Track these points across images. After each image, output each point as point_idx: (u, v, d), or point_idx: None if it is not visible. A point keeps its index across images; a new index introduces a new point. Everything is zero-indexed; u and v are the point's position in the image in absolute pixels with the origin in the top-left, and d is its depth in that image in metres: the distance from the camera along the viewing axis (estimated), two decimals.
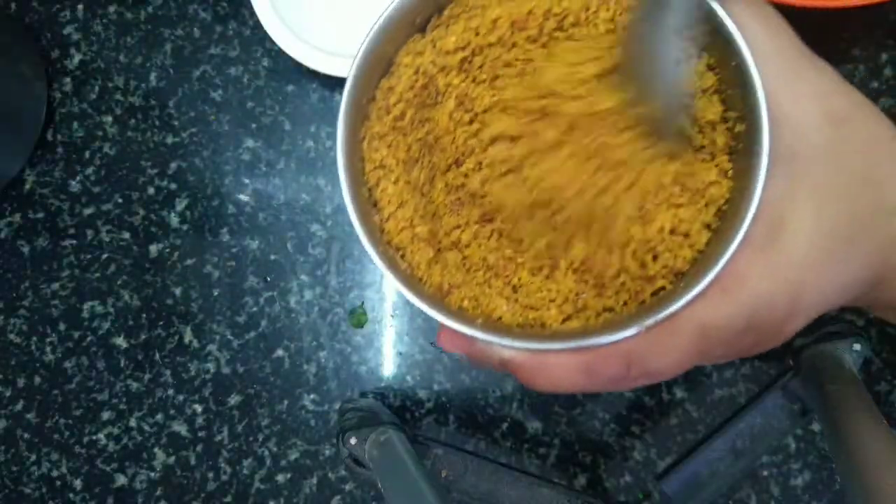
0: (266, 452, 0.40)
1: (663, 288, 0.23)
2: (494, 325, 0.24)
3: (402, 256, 0.25)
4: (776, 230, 0.21)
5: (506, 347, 0.23)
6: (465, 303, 0.24)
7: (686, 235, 0.23)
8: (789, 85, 0.22)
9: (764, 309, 0.21)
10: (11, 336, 0.42)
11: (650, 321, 0.21)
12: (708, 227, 0.22)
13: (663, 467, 0.38)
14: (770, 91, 0.21)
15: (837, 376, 0.34)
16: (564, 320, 0.24)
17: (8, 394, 0.41)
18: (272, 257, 0.41)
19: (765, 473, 0.38)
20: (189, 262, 0.42)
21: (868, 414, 0.31)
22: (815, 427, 0.38)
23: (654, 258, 0.23)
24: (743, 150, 0.22)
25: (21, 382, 0.42)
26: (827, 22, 0.39)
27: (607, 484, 0.39)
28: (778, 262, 0.21)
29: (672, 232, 0.23)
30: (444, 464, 0.37)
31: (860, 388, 0.33)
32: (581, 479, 0.39)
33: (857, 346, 0.36)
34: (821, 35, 0.39)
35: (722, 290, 0.21)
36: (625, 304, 0.23)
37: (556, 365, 0.22)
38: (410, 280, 0.24)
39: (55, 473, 0.41)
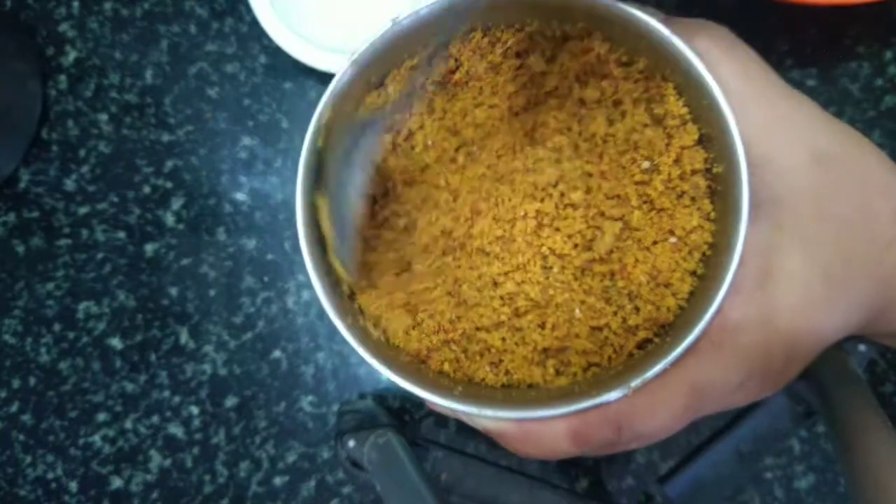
0: (263, 455, 0.40)
1: (650, 341, 0.22)
2: (477, 389, 0.22)
3: (375, 325, 0.24)
4: (765, 279, 0.20)
5: (487, 418, 0.21)
6: (446, 366, 0.23)
7: (667, 285, 0.22)
8: (767, 125, 0.21)
9: (759, 362, 0.20)
10: (6, 337, 0.41)
11: (637, 382, 0.20)
12: (693, 274, 0.22)
13: (666, 470, 0.38)
14: (747, 132, 0.20)
15: (842, 377, 0.34)
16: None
17: (2, 395, 0.41)
18: (269, 257, 0.41)
19: (769, 476, 0.38)
20: (185, 261, 0.41)
21: (873, 415, 0.31)
22: (820, 429, 0.38)
23: (637, 310, 0.22)
24: (723, 193, 0.21)
25: (16, 384, 0.41)
26: (831, 19, 0.39)
27: (609, 487, 0.38)
28: (771, 310, 0.20)
29: (652, 282, 0.22)
30: (443, 466, 0.36)
31: (865, 390, 0.33)
32: (583, 482, 0.38)
33: (861, 348, 0.35)
34: (824, 33, 0.39)
35: (713, 345, 0.20)
36: (610, 358, 0.22)
37: (541, 434, 0.21)
38: (384, 349, 0.23)
39: (50, 476, 0.41)
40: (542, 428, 0.21)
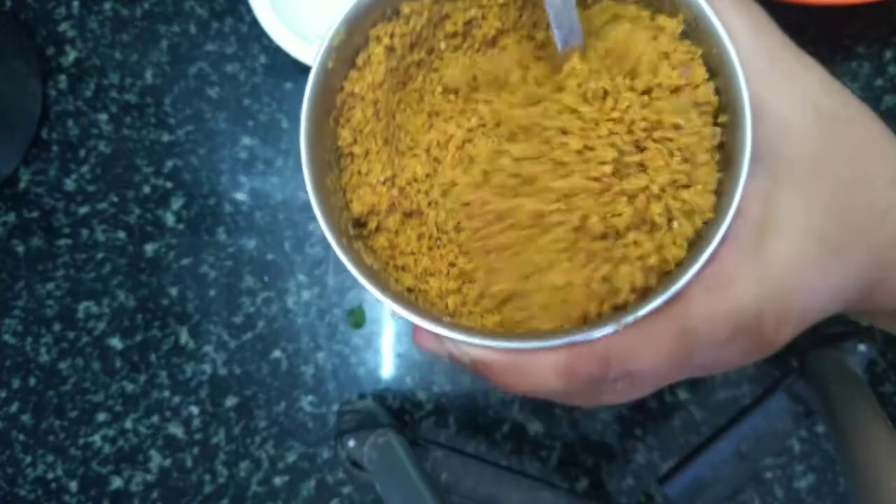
0: (263, 455, 0.40)
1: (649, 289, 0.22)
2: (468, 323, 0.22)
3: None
4: (763, 233, 0.20)
5: (475, 346, 0.21)
6: (449, 301, 0.23)
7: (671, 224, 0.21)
8: (774, 82, 0.21)
9: (750, 314, 0.20)
10: (6, 337, 0.41)
11: (629, 319, 0.20)
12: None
13: (666, 470, 0.38)
14: (753, 87, 0.20)
15: (842, 377, 0.34)
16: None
17: (3, 395, 0.41)
18: (269, 257, 0.41)
19: (768, 476, 0.38)
20: (185, 261, 0.41)
21: (873, 415, 0.31)
22: (820, 429, 0.38)
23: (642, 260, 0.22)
24: (726, 142, 0.21)
25: (16, 384, 0.41)
26: (831, 19, 0.39)
27: (609, 487, 0.38)
28: (765, 266, 0.20)
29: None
30: (443, 466, 0.36)
31: (865, 390, 0.33)
32: (583, 481, 0.38)
33: (861, 347, 0.35)
34: (825, 32, 0.39)
35: (706, 290, 0.20)
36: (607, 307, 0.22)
37: (530, 365, 0.21)
38: (378, 277, 0.22)
39: (50, 476, 0.41)
40: (531, 360, 0.21)
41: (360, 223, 0.24)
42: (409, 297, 0.23)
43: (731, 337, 0.20)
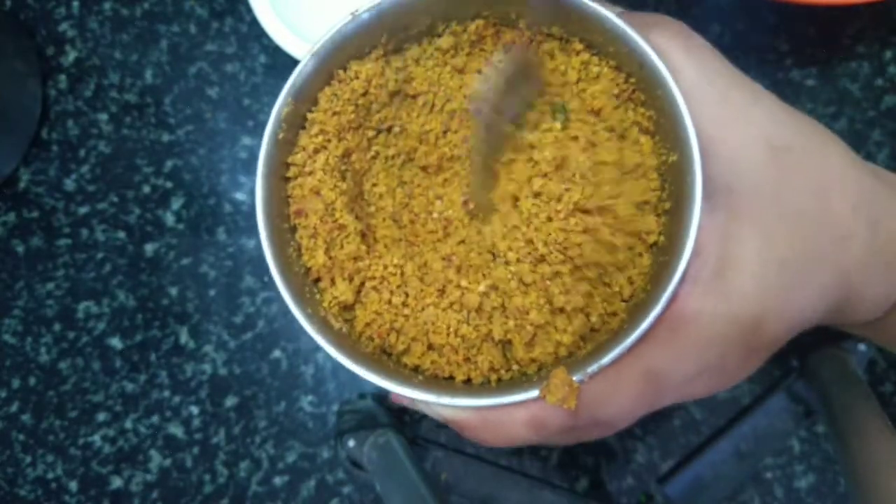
0: (263, 455, 0.40)
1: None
2: (437, 381, 0.23)
3: (338, 315, 0.24)
4: (723, 269, 0.20)
5: (445, 406, 0.22)
6: (414, 359, 0.23)
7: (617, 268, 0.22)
8: (723, 120, 0.21)
9: (716, 352, 0.20)
10: (6, 336, 0.41)
11: (593, 368, 0.20)
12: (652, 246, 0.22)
13: (666, 470, 0.38)
14: (702, 123, 0.20)
15: (842, 377, 0.34)
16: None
17: (3, 395, 0.41)
18: None
19: (768, 476, 0.38)
20: (185, 261, 0.41)
21: (873, 415, 0.31)
22: (820, 429, 0.38)
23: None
24: (677, 182, 0.21)
25: (16, 384, 0.41)
26: (831, 19, 0.39)
27: (609, 487, 0.38)
28: (729, 300, 0.20)
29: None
30: (443, 466, 0.36)
31: (865, 390, 0.33)
32: (583, 481, 0.38)
33: (861, 347, 0.35)
34: (825, 32, 0.39)
35: (669, 333, 0.20)
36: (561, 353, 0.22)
37: (500, 420, 0.21)
38: (346, 341, 0.23)
39: (50, 476, 0.41)
40: (501, 415, 0.21)
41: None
42: (380, 358, 0.23)
43: (698, 373, 0.20)
